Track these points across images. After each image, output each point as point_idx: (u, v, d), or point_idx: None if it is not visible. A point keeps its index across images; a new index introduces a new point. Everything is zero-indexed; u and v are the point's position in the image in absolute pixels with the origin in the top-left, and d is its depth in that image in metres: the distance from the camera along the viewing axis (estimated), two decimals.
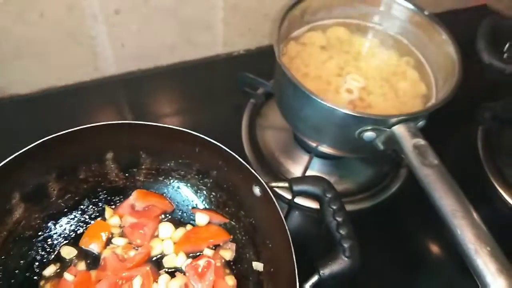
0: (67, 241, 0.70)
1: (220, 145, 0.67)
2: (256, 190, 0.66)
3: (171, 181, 0.76)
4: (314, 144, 0.77)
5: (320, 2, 0.79)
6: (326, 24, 0.83)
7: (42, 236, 0.68)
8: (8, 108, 0.92)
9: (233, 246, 0.71)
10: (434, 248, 0.80)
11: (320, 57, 0.79)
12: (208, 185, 0.74)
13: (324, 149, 0.76)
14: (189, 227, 0.73)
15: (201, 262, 0.67)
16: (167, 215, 0.75)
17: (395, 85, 0.77)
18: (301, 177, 0.78)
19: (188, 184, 0.75)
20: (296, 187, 0.64)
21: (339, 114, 0.64)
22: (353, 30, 0.83)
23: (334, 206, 0.62)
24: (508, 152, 0.92)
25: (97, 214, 0.73)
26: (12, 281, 0.63)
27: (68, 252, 0.68)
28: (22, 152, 0.62)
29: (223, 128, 0.91)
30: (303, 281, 0.57)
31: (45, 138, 0.63)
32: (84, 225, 0.72)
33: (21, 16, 0.81)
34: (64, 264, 0.67)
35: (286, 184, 0.65)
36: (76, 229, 0.71)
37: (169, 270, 0.69)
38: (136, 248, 0.70)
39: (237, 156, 0.66)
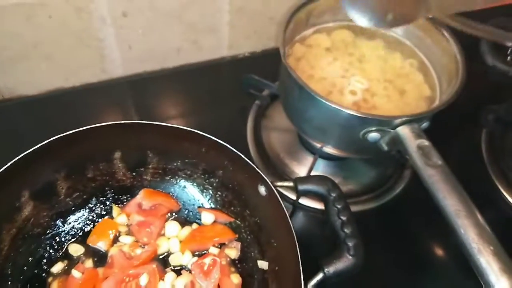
0: (74, 239, 0.71)
1: (227, 145, 0.67)
2: (262, 190, 0.67)
3: (178, 180, 0.76)
4: (318, 145, 0.78)
5: (326, 5, 0.80)
6: (331, 27, 0.84)
7: (50, 234, 0.69)
8: (16, 109, 0.94)
9: (238, 245, 0.72)
10: (438, 249, 0.80)
11: (325, 59, 0.79)
12: (214, 184, 0.75)
13: (329, 150, 0.77)
14: (195, 226, 0.74)
15: (207, 260, 0.68)
16: (174, 214, 0.75)
17: (399, 87, 0.77)
18: (306, 176, 0.78)
19: (194, 184, 0.76)
20: (301, 187, 0.65)
21: (344, 115, 0.65)
22: (358, 32, 0.84)
23: (338, 205, 0.63)
24: None
25: (105, 212, 0.74)
26: (21, 277, 0.64)
27: (76, 249, 0.69)
28: (32, 150, 0.63)
29: (229, 130, 0.91)
30: (307, 280, 0.58)
31: (55, 137, 0.64)
32: (92, 223, 0.73)
33: (30, 18, 0.82)
34: (72, 262, 0.68)
35: (291, 184, 0.66)
36: (83, 227, 0.72)
37: (175, 268, 0.70)
38: (143, 246, 0.70)
39: (243, 156, 0.67)
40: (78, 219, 0.72)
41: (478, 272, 0.52)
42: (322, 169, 0.86)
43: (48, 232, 0.69)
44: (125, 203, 0.75)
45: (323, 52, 0.81)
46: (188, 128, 0.69)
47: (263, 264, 0.68)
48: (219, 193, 0.75)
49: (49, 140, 0.64)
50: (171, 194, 0.76)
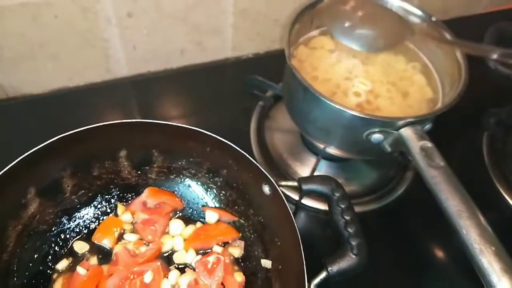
0: (79, 236, 0.71)
1: (231, 144, 0.68)
2: (266, 189, 0.67)
3: (182, 179, 0.77)
4: (322, 146, 0.78)
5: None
6: None
7: (55, 231, 0.70)
8: (20, 108, 0.94)
9: (241, 243, 0.72)
10: (439, 250, 0.80)
11: (329, 61, 0.80)
12: (218, 183, 0.75)
13: (332, 151, 0.77)
14: (199, 224, 0.74)
15: (211, 259, 0.68)
16: (178, 213, 0.76)
17: (402, 89, 0.78)
18: (310, 176, 0.79)
19: (199, 183, 0.77)
20: (305, 186, 0.66)
21: (348, 116, 0.66)
22: None
23: (342, 205, 0.63)
24: None
25: (110, 210, 0.74)
26: (26, 273, 0.65)
27: (81, 247, 0.70)
28: (38, 148, 0.63)
29: (232, 130, 0.92)
30: (310, 278, 0.58)
31: (61, 135, 0.65)
32: (97, 220, 0.73)
33: (36, 18, 0.83)
34: (77, 259, 0.69)
35: (295, 183, 0.67)
36: (89, 225, 0.73)
37: (179, 266, 0.70)
38: (147, 244, 0.71)
39: (247, 155, 0.67)
40: (83, 217, 0.72)
41: (480, 273, 0.52)
42: (325, 170, 0.87)
43: (53, 229, 0.69)
44: (130, 201, 0.75)
45: (327, 54, 0.81)
46: (193, 127, 0.69)
47: (266, 263, 0.68)
48: (223, 192, 0.75)
49: (55, 138, 0.64)
50: (175, 192, 0.77)
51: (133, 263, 0.67)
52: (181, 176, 0.77)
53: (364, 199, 0.84)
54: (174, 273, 0.67)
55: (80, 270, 0.66)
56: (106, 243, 0.70)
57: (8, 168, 0.61)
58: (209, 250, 0.72)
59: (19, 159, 0.62)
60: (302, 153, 0.89)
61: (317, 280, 0.59)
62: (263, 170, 0.66)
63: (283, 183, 0.67)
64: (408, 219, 0.85)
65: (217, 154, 0.71)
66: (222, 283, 0.67)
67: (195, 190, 0.77)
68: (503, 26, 1.07)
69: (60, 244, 0.69)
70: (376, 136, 0.67)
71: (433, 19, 0.79)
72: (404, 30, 0.79)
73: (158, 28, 0.95)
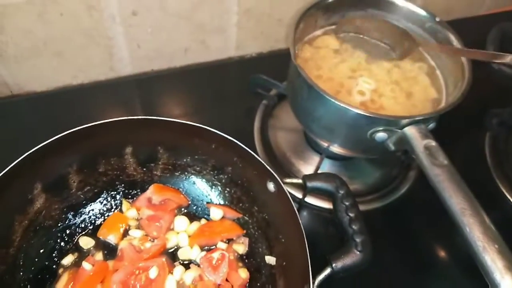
0: (85, 232, 0.72)
1: (236, 141, 0.68)
2: (271, 186, 0.68)
3: (187, 176, 0.77)
4: (325, 144, 0.78)
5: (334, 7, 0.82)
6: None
7: (61, 226, 0.70)
8: (24, 105, 0.95)
9: (246, 240, 0.72)
10: (442, 249, 0.80)
11: (333, 60, 0.81)
12: (223, 180, 0.76)
13: (336, 149, 0.78)
14: (203, 221, 0.75)
15: (216, 255, 0.69)
16: (183, 209, 0.76)
17: (406, 89, 0.78)
18: (314, 174, 0.80)
19: (204, 180, 0.77)
20: (309, 184, 0.66)
21: (352, 114, 0.66)
22: None
23: (346, 202, 0.64)
24: None
25: (115, 206, 0.75)
26: (32, 268, 0.65)
27: (86, 242, 0.70)
28: (45, 144, 0.64)
29: (236, 129, 0.90)
30: (314, 275, 0.58)
31: (68, 131, 0.65)
32: (102, 216, 0.74)
33: (42, 15, 0.83)
34: (82, 254, 0.69)
35: (300, 181, 0.67)
36: (94, 220, 0.73)
37: (184, 262, 0.70)
38: (152, 240, 0.71)
39: (252, 153, 0.68)
40: (89, 212, 0.73)
41: (483, 270, 0.52)
42: (328, 168, 0.87)
43: (59, 224, 0.70)
44: (135, 198, 0.76)
45: (331, 54, 0.82)
46: (199, 125, 0.70)
47: (270, 260, 0.69)
48: (228, 189, 0.76)
49: (62, 134, 0.65)
50: (180, 189, 0.77)
51: (138, 259, 0.67)
52: (186, 173, 0.77)
53: (367, 198, 0.85)
54: (179, 269, 0.68)
55: (86, 265, 0.66)
56: (112, 239, 0.71)
57: (15, 164, 0.61)
58: (213, 247, 0.72)
59: (25, 154, 0.62)
60: (306, 151, 0.90)
61: (321, 276, 0.59)
62: (268, 167, 0.66)
63: (288, 180, 0.68)
64: (411, 218, 0.85)
65: (222, 151, 0.72)
66: (226, 279, 0.68)
67: (200, 187, 0.77)
68: (506, 27, 1.07)
69: (66, 239, 0.70)
70: (380, 135, 0.67)
71: (437, 19, 0.79)
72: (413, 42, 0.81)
73: (162, 26, 0.95)
